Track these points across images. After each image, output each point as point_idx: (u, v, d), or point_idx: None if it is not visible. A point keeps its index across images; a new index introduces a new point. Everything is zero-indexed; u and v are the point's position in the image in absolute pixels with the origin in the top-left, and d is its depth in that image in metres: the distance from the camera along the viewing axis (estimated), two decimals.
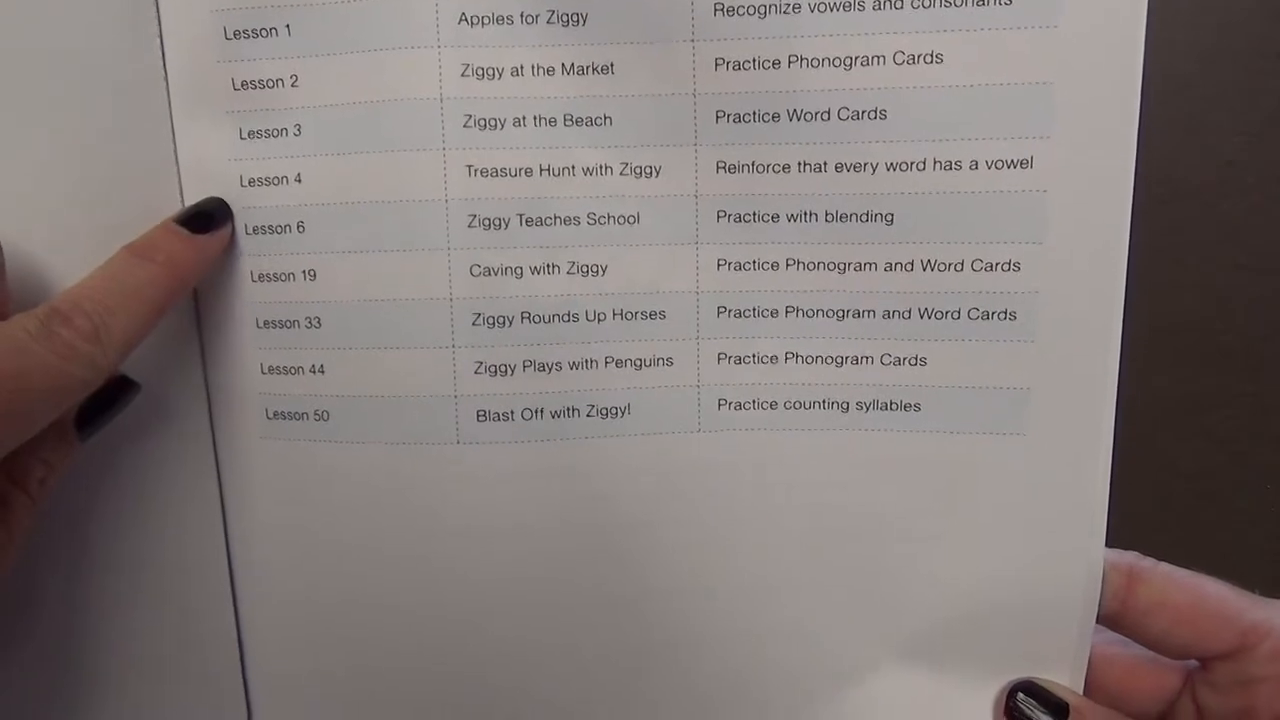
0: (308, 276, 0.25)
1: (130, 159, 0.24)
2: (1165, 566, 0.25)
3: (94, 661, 0.27)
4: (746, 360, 0.25)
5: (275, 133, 0.24)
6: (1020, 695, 0.26)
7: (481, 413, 0.25)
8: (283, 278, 0.25)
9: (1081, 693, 0.26)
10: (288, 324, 0.25)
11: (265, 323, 0.25)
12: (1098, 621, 0.26)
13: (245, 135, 0.24)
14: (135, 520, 0.26)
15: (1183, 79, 0.35)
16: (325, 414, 0.25)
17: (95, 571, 0.26)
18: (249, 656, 0.27)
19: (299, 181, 0.24)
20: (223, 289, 0.25)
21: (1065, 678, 0.26)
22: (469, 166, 0.24)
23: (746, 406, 0.25)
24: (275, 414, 0.25)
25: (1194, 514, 0.32)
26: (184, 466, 0.26)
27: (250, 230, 0.25)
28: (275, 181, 0.24)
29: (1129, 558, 0.26)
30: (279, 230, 0.24)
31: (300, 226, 0.24)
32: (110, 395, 0.24)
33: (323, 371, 0.25)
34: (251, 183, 0.24)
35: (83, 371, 0.21)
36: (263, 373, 0.25)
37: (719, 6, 0.23)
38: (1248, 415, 0.36)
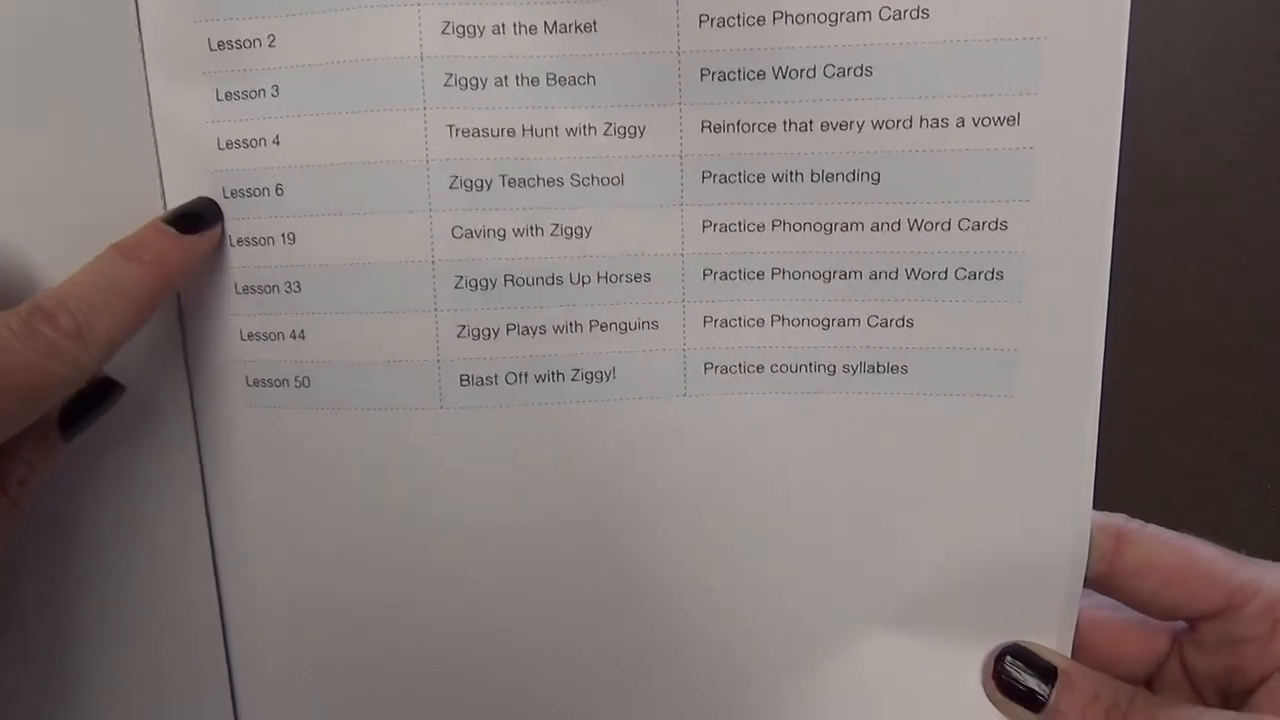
0: (287, 240, 0.24)
1: (105, 123, 0.24)
2: (1153, 528, 0.25)
3: (77, 652, 0.26)
4: (733, 323, 0.25)
5: (252, 94, 0.24)
6: (1008, 659, 0.26)
7: (465, 377, 0.24)
8: (262, 242, 0.24)
9: (1070, 656, 0.26)
10: (267, 289, 0.24)
11: (244, 288, 0.25)
12: (1086, 584, 0.25)
13: (222, 97, 0.24)
14: (114, 495, 0.26)
15: (1183, 79, 0.35)
16: (306, 380, 0.25)
17: (74, 555, 0.26)
18: (231, 634, 0.27)
19: (277, 143, 0.24)
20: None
21: (1053, 641, 0.26)
22: (450, 126, 0.23)
23: (733, 370, 0.25)
24: (255, 381, 0.25)
25: (1194, 514, 0.32)
26: (163, 439, 0.26)
27: (228, 194, 0.24)
28: (253, 144, 0.24)
29: (1117, 520, 0.25)
30: (257, 193, 0.24)
31: (279, 189, 0.24)
32: (95, 396, 0.24)
33: (303, 337, 0.25)
34: (229, 145, 0.24)
35: (65, 370, 0.21)
36: (242, 339, 0.25)
37: None
38: (1248, 415, 0.36)
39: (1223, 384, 0.36)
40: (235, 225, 0.24)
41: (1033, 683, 0.25)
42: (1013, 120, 0.23)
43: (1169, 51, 0.34)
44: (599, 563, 0.25)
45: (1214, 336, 0.36)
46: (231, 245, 0.24)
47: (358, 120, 0.23)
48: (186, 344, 0.25)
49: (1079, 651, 0.26)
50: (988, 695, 0.26)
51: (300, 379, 0.25)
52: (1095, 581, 0.25)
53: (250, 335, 0.25)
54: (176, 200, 0.24)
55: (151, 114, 0.24)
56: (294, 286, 0.24)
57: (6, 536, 0.23)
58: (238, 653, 0.27)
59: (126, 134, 0.24)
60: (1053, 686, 0.25)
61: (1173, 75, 0.34)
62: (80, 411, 0.24)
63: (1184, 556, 0.25)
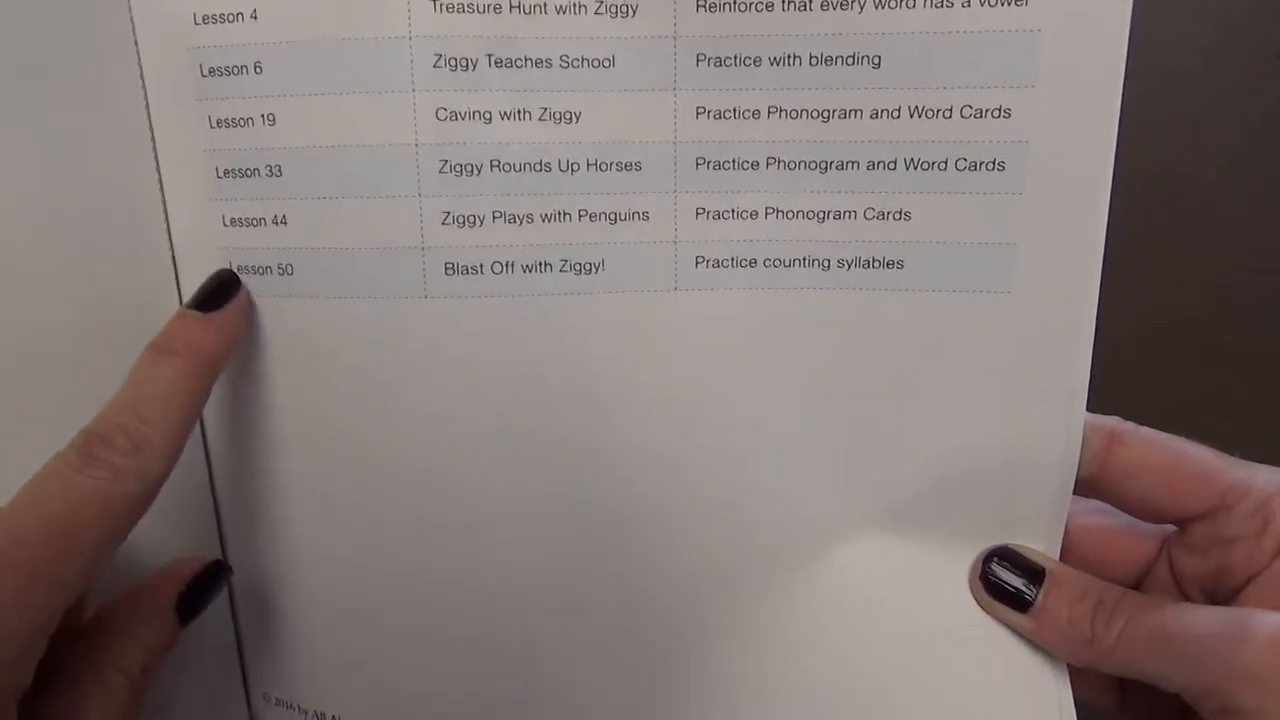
0: (267, 121, 0.23)
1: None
2: (1146, 430, 0.25)
3: None
4: (726, 215, 0.24)
5: None
6: (995, 560, 0.25)
7: (450, 265, 0.24)
8: (241, 123, 0.24)
9: (1058, 559, 0.26)
10: (248, 172, 0.24)
11: (225, 171, 0.24)
12: (1077, 487, 0.25)
13: None
14: (102, 390, 0.25)
15: (1183, 78, 0.34)
16: (289, 267, 0.24)
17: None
18: (225, 525, 0.27)
19: (254, 18, 0.23)
20: (180, 138, 0.24)
21: (1041, 544, 0.26)
22: (435, 0, 0.22)
23: (725, 264, 0.24)
24: (240, 268, 0.25)
25: None
26: (150, 329, 0.25)
27: (206, 72, 0.23)
28: (230, 18, 0.23)
29: (1110, 421, 0.25)
30: (235, 72, 0.23)
31: (258, 67, 0.23)
32: (209, 580, 0.25)
33: (285, 223, 0.24)
34: (205, 20, 0.23)
35: (135, 487, 0.21)
36: (225, 225, 0.24)
37: None
38: (1248, 415, 0.36)
39: (1223, 384, 0.36)
40: (213, 105, 0.24)
41: (1019, 583, 0.25)
42: (1020, 0, 0.22)
43: (1169, 51, 0.34)
44: (583, 457, 0.25)
45: (1214, 336, 0.36)
46: (211, 127, 0.24)
47: None
48: (171, 231, 0.25)
49: (1066, 556, 0.26)
50: (975, 597, 0.26)
51: (283, 266, 0.24)
52: (1086, 483, 0.25)
53: (233, 221, 0.24)
54: (154, 76, 0.24)
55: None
56: (275, 170, 0.24)
57: None
58: (231, 541, 0.27)
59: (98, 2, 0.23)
60: (1040, 587, 0.25)
61: (1173, 75, 0.34)
62: (196, 596, 0.24)
63: (1175, 457, 0.25)
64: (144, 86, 0.24)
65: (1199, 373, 0.36)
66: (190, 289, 0.25)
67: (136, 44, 0.24)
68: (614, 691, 0.26)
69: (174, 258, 0.25)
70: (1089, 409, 0.25)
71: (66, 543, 0.20)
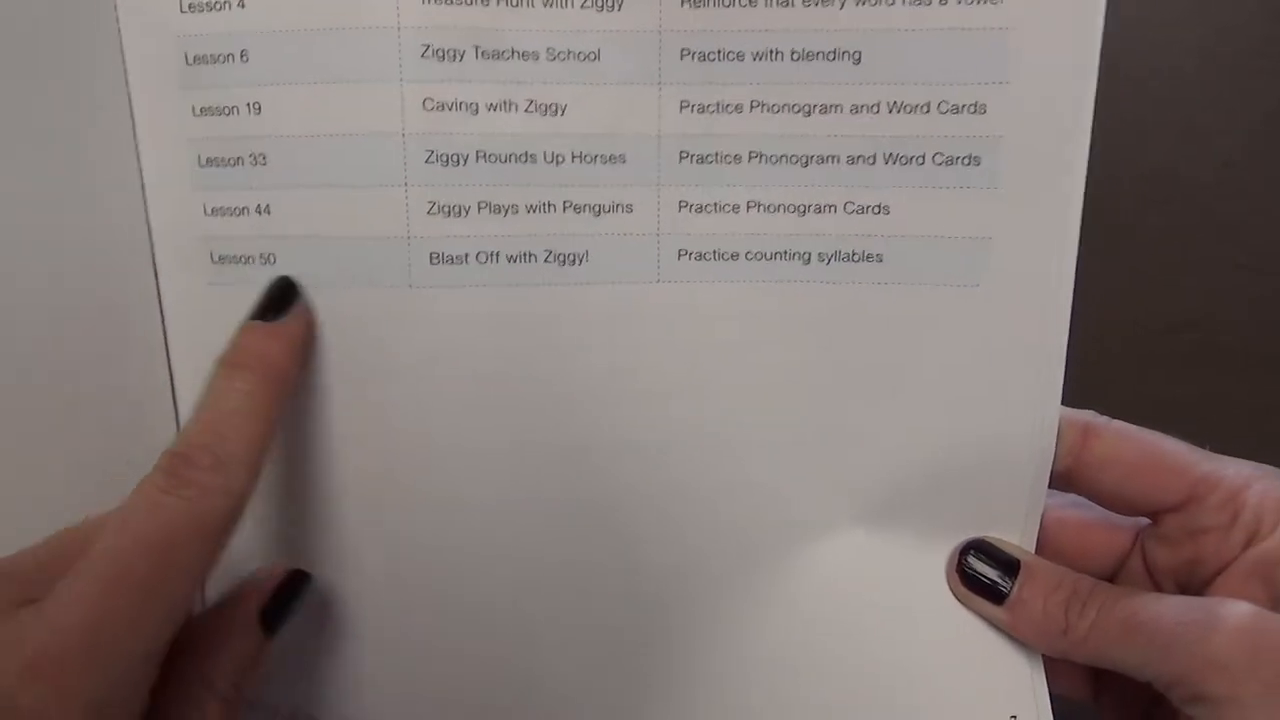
0: (252, 110, 0.23)
1: None
2: (1119, 424, 0.26)
3: None
4: (708, 209, 0.24)
5: None
6: (971, 553, 0.26)
7: (435, 255, 0.24)
8: (225, 111, 0.24)
9: (1034, 551, 0.26)
10: (231, 161, 0.24)
11: (208, 160, 0.24)
12: (1052, 480, 0.26)
13: None
14: (78, 377, 0.25)
15: (1183, 78, 0.34)
16: (272, 256, 0.24)
17: None
18: None
19: (241, 6, 0.23)
20: (162, 126, 0.24)
21: (1017, 537, 0.26)
22: None
23: (707, 257, 0.25)
24: (221, 258, 0.24)
25: None
26: (128, 320, 0.25)
27: (191, 60, 0.23)
28: (216, 6, 0.23)
29: (1085, 415, 0.26)
30: (221, 60, 0.23)
31: (243, 56, 0.23)
32: (289, 590, 0.24)
33: (269, 212, 0.24)
34: (191, 8, 0.23)
35: (222, 502, 0.21)
36: (206, 214, 0.24)
37: None
38: (1248, 415, 0.36)
39: (1223, 384, 0.36)
40: (197, 94, 0.24)
41: (995, 575, 0.25)
42: None
43: (1169, 51, 0.34)
44: (565, 449, 0.25)
45: (1214, 336, 0.36)
46: (194, 115, 0.24)
47: None
48: (150, 220, 0.25)
49: (1042, 549, 0.26)
50: (951, 589, 0.26)
51: (266, 255, 0.24)
52: (1061, 476, 0.26)
53: (215, 210, 0.24)
54: (138, 71, 0.24)
55: None
56: (259, 159, 0.24)
57: None
58: None
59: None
60: (1015, 579, 0.25)
61: (1173, 75, 0.34)
62: (279, 607, 0.24)
63: (1148, 450, 0.25)
64: (125, 74, 0.24)
65: (1198, 373, 0.36)
66: (168, 277, 0.24)
67: (119, 31, 0.23)
68: (598, 679, 0.26)
69: (152, 251, 0.25)
70: (1088, 409, 0.25)
71: (167, 563, 0.20)
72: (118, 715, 0.20)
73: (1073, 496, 0.27)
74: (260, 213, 0.24)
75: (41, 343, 0.24)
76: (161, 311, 0.25)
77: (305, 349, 0.24)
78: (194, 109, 0.24)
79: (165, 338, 0.25)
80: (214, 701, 0.22)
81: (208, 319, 0.24)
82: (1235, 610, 0.22)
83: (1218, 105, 0.35)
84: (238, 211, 0.24)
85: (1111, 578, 0.27)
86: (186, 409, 0.26)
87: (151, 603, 0.20)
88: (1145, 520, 0.26)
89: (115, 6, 0.23)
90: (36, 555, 0.21)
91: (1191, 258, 0.36)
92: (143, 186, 0.24)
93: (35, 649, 0.19)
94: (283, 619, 0.24)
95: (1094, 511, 0.27)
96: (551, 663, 0.26)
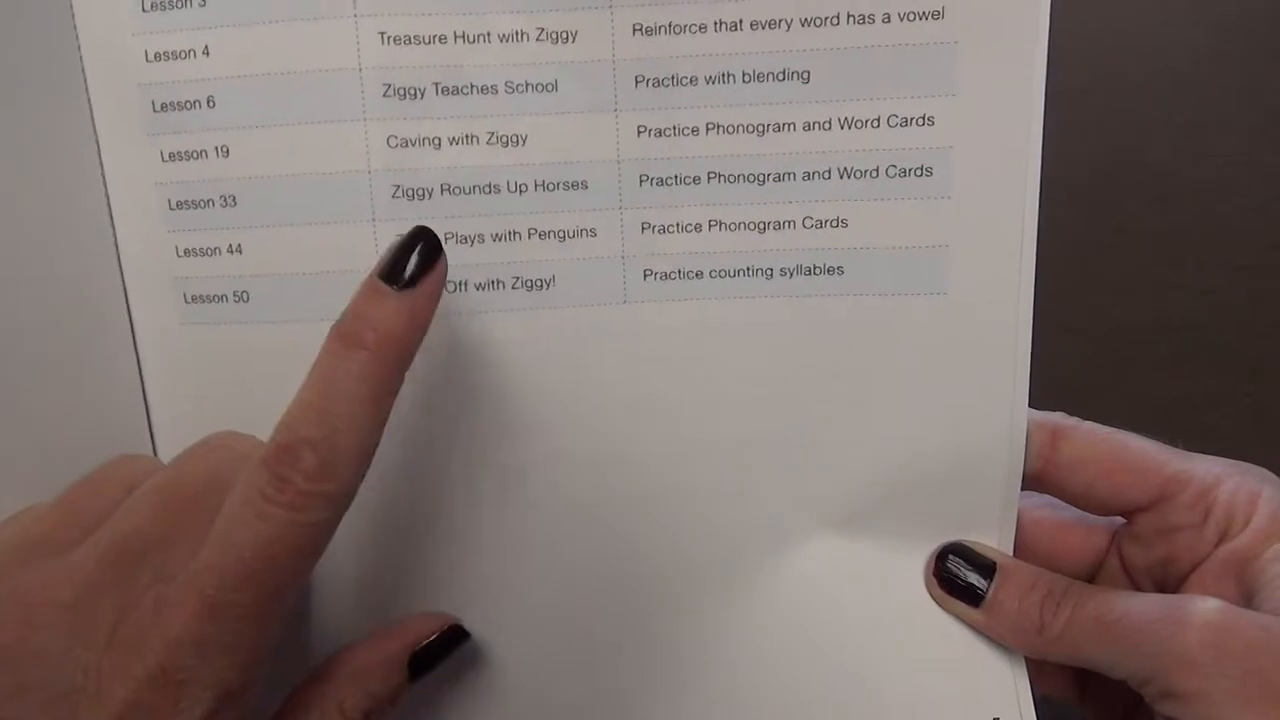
0: (220, 153, 0.24)
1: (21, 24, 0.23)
2: (1088, 424, 0.26)
3: None
4: (670, 229, 0.25)
5: (179, 3, 0.23)
6: (949, 557, 0.26)
7: None
8: (194, 155, 0.24)
9: (1011, 554, 0.26)
10: (202, 204, 0.24)
11: (178, 203, 0.24)
12: (1024, 483, 0.26)
13: (147, 8, 0.23)
14: (55, 419, 0.25)
15: (1183, 78, 0.35)
16: (245, 295, 0.25)
17: None
18: None
19: (206, 54, 0.24)
20: (131, 172, 0.24)
21: (994, 540, 0.26)
22: (382, 33, 0.23)
23: (672, 277, 0.25)
24: (194, 298, 0.25)
25: None
26: (104, 359, 0.25)
27: (158, 108, 0.24)
28: (182, 55, 0.24)
29: (1054, 417, 0.26)
30: (188, 106, 0.24)
31: (210, 101, 0.24)
32: (445, 643, 0.24)
33: (240, 251, 0.24)
34: (157, 57, 0.24)
35: (320, 515, 0.20)
36: (179, 256, 0.25)
37: None
38: (1248, 415, 0.36)
39: (1223, 384, 0.36)
40: (166, 140, 0.24)
41: (973, 578, 0.26)
42: (938, 14, 0.23)
43: (1169, 51, 0.35)
44: (540, 472, 0.26)
45: (1214, 336, 0.36)
46: (163, 161, 0.24)
47: (287, 29, 0.23)
48: (122, 263, 0.25)
49: (1021, 551, 0.26)
50: (930, 593, 0.26)
51: (239, 294, 0.25)
52: (1032, 478, 0.26)
53: (186, 251, 0.25)
54: (105, 118, 0.24)
55: (75, 29, 0.24)
56: (229, 200, 0.24)
57: None
58: None
59: (47, 43, 0.24)
60: (992, 581, 0.25)
61: (1173, 75, 0.35)
62: (429, 657, 0.24)
63: (1117, 449, 0.25)
64: (94, 125, 0.24)
65: (1198, 373, 0.36)
66: (142, 317, 0.25)
67: (87, 87, 0.24)
68: (579, 680, 0.26)
69: (125, 293, 0.25)
70: (1089, 410, 0.26)
71: (265, 582, 0.19)
72: None
73: (1051, 498, 0.27)
74: (232, 252, 0.24)
75: (15, 384, 0.24)
76: (136, 351, 0.25)
77: (426, 329, 0.21)
78: (162, 154, 0.24)
79: (141, 376, 0.26)
80: None
81: (182, 357, 0.25)
82: (1204, 607, 0.22)
83: (1218, 105, 0.35)
84: (209, 252, 0.25)
85: (1091, 578, 0.27)
86: (164, 446, 0.26)
87: (251, 623, 0.19)
88: (1122, 520, 0.26)
89: (80, 58, 0.24)
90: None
91: (1191, 258, 0.36)
92: (114, 237, 0.25)
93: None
94: (430, 668, 0.24)
95: (1071, 513, 0.27)
96: (534, 662, 0.26)
